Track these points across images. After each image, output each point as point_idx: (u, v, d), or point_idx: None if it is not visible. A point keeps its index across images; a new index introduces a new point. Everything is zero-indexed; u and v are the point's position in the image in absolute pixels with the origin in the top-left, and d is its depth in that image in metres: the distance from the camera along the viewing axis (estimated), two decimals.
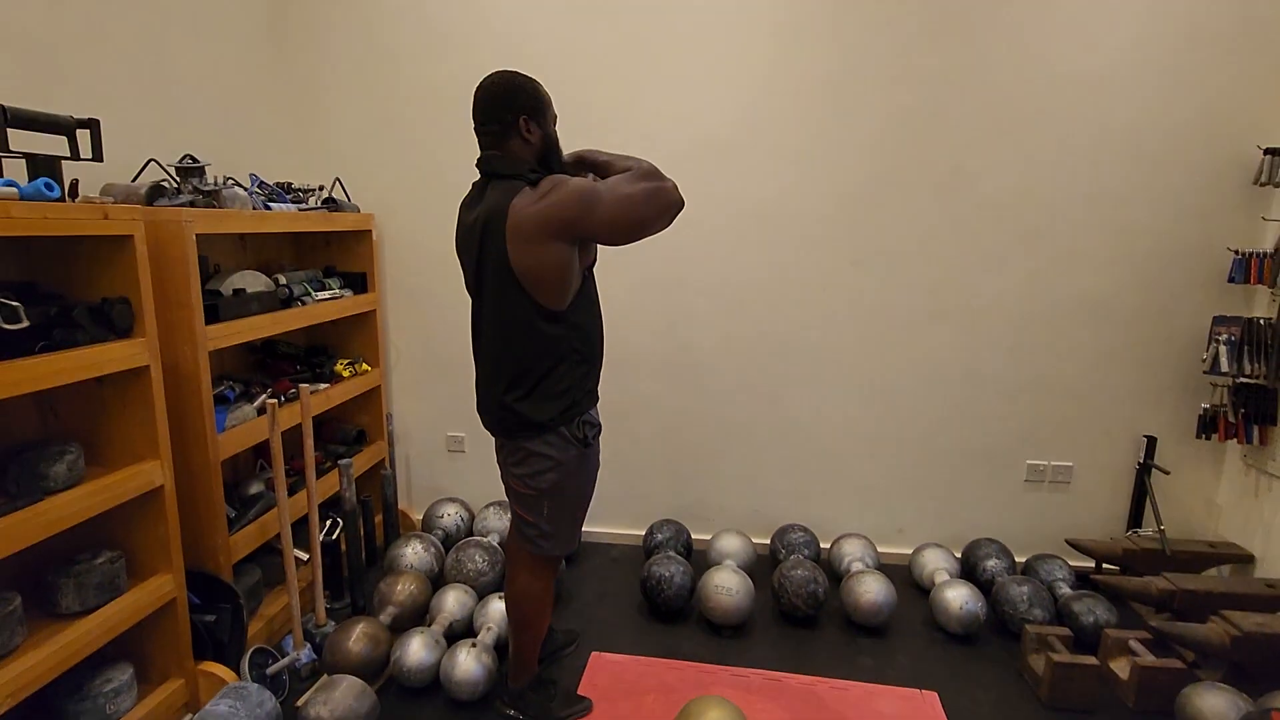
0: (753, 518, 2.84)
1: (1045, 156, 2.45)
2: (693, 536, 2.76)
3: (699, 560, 2.63)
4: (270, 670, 1.94)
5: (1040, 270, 2.54)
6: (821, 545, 2.72)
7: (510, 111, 1.54)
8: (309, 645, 2.07)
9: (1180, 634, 2.00)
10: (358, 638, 2.00)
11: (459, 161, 2.68)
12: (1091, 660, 1.97)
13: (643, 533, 2.80)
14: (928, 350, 2.63)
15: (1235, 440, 2.41)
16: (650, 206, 1.53)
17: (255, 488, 2.32)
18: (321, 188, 2.56)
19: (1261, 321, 2.29)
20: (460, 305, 2.82)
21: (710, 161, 2.59)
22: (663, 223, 1.57)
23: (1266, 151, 2.28)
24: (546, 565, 1.81)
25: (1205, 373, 2.42)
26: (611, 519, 2.92)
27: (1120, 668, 2.05)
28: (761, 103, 2.53)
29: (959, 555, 2.65)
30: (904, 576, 2.65)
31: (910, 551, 2.68)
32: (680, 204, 1.57)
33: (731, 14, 2.49)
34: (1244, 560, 2.44)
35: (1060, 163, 2.45)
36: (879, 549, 2.68)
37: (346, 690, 1.76)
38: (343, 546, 2.39)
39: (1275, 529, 2.35)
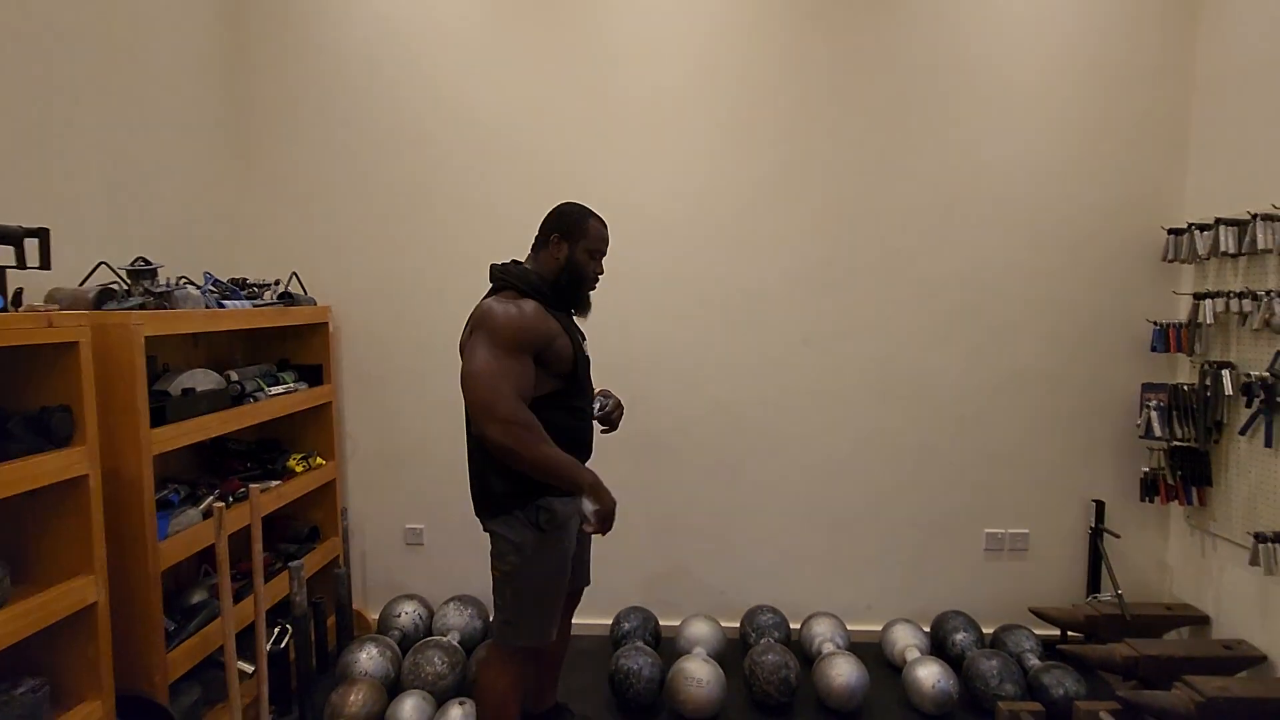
0: (720, 600, 2.79)
1: (975, 237, 2.63)
2: (661, 623, 2.69)
3: (668, 648, 2.56)
4: None
5: (981, 344, 2.67)
6: (792, 625, 2.68)
7: (552, 229, 1.77)
8: None
9: (1148, 703, 2.01)
10: None
11: (417, 251, 2.76)
12: None
13: (610, 621, 2.72)
14: (880, 425, 2.71)
15: (1177, 502, 2.50)
16: (474, 399, 1.62)
17: (198, 596, 2.19)
18: (277, 282, 2.57)
19: (1185, 387, 2.43)
20: (419, 393, 2.84)
21: (661, 245, 2.70)
22: (476, 423, 1.63)
23: (1170, 231, 2.48)
24: (512, 657, 1.77)
25: (1141, 437, 2.53)
26: (577, 609, 2.83)
27: None
28: (711, 190, 2.67)
29: (928, 629, 2.64)
30: (875, 654, 2.62)
31: (880, 628, 2.66)
32: (492, 440, 1.59)
33: (681, 104, 2.65)
34: (1200, 621, 2.48)
35: (990, 243, 2.63)
36: (849, 626, 2.65)
37: None
38: (291, 655, 2.25)
39: (1224, 588, 2.41)
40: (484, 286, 2.77)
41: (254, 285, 2.48)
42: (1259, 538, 2.08)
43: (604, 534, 1.68)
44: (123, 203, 2.20)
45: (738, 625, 2.71)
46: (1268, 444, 2.18)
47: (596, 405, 1.92)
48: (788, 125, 2.64)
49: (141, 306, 1.83)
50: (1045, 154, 2.59)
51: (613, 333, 2.57)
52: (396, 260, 2.76)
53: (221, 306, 2.17)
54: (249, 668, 2.13)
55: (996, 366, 2.66)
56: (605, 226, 1.80)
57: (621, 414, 1.98)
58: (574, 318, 1.83)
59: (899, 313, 2.68)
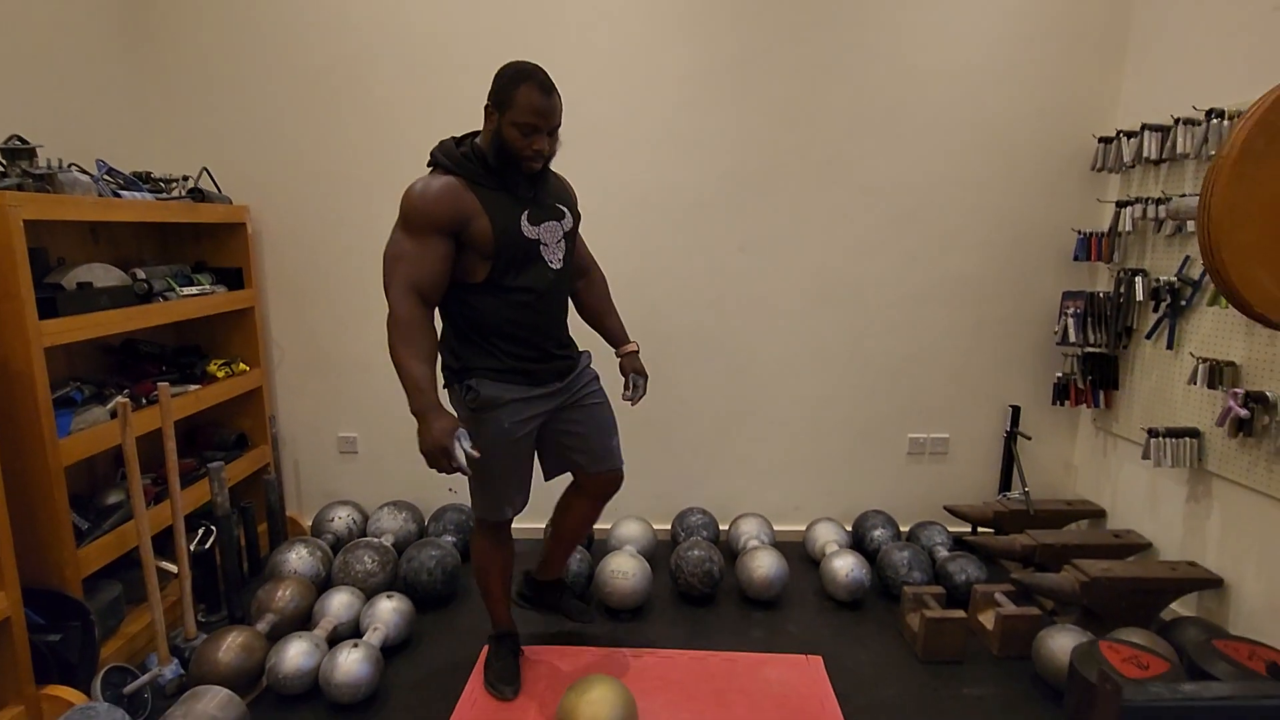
0: (654, 504, 2.86)
1: (912, 145, 2.60)
2: (596, 527, 2.76)
3: (601, 549, 2.63)
4: (127, 689, 1.80)
5: (915, 252, 2.69)
6: (721, 526, 2.78)
7: (489, 97, 1.59)
8: (175, 661, 1.94)
9: (1037, 584, 2.16)
10: (228, 648, 1.89)
11: (341, 152, 2.62)
12: (960, 614, 2.10)
13: (543, 525, 2.78)
14: (813, 332, 2.74)
15: (1085, 405, 2.62)
16: (386, 273, 1.60)
17: (115, 497, 2.16)
18: (186, 178, 2.42)
19: (1102, 295, 2.50)
20: (350, 298, 2.75)
21: (595, 150, 2.61)
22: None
23: (1100, 140, 2.50)
24: (480, 527, 1.87)
25: (1057, 344, 2.62)
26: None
27: (986, 619, 2.19)
28: (645, 88, 2.57)
29: (849, 528, 2.77)
30: (799, 551, 2.74)
31: (804, 527, 2.78)
32: (390, 313, 1.58)
33: (613, 6, 2.52)
34: (1098, 515, 2.65)
35: (926, 151, 2.61)
36: (776, 526, 2.76)
37: (209, 701, 1.65)
38: (218, 557, 2.26)
39: (1121, 484, 2.57)
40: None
41: (160, 180, 2.33)
42: (1151, 433, 2.20)
43: (440, 471, 1.54)
44: (1, 82, 2.01)
45: (669, 527, 2.79)
46: (1169, 346, 2.28)
47: (627, 393, 1.94)
48: (724, 22, 2.52)
49: (18, 188, 1.70)
50: (986, 60, 2.54)
51: None
52: (323, 155, 2.62)
53: (118, 198, 2.04)
54: (172, 567, 2.13)
55: (929, 274, 2.70)
56: (546, 94, 1.53)
57: (642, 394, 1.97)
58: (537, 193, 1.67)
59: (837, 219, 2.67)
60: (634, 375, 1.96)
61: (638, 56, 2.55)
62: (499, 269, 1.62)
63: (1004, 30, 2.52)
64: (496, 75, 1.57)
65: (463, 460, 1.51)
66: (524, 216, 1.63)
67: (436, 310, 1.66)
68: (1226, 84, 2.09)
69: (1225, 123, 1.99)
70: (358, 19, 2.52)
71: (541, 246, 1.67)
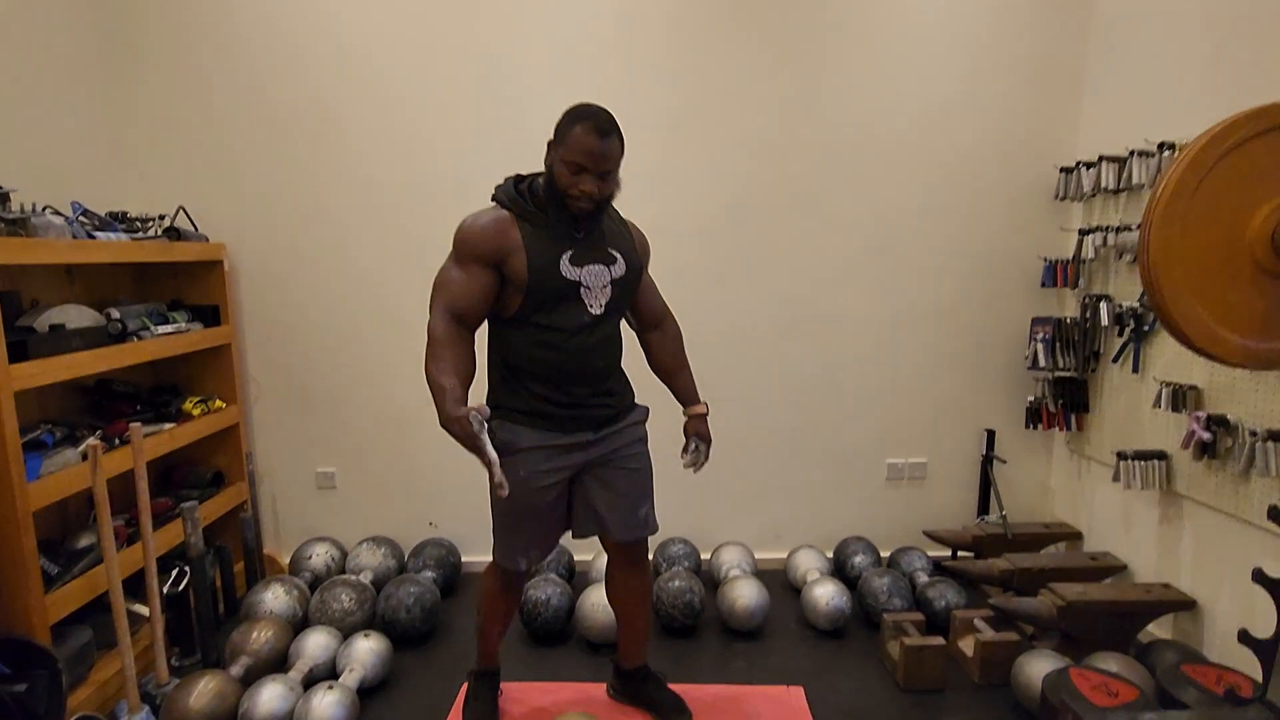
0: None
1: (882, 178, 2.67)
2: (575, 558, 2.76)
3: (582, 581, 2.62)
4: None
5: (886, 281, 2.74)
6: (703, 556, 2.78)
7: (554, 131, 1.58)
8: (146, 708, 1.90)
9: (1015, 609, 2.17)
10: (200, 694, 1.86)
11: (316, 189, 2.65)
12: (939, 641, 2.10)
13: None
14: (789, 360, 2.77)
15: (1058, 428, 2.66)
16: (431, 296, 1.62)
17: (87, 540, 2.13)
18: (163, 217, 2.43)
19: (1069, 320, 2.56)
20: (326, 334, 2.76)
21: None
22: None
23: (1061, 170, 2.57)
24: (493, 569, 1.82)
25: (1028, 368, 2.67)
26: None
27: (966, 645, 2.20)
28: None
29: (830, 555, 2.77)
30: (780, 579, 2.74)
31: (785, 555, 2.78)
32: (428, 333, 1.59)
33: (590, 43, 2.58)
34: (1074, 537, 2.68)
35: (896, 183, 2.67)
36: (757, 555, 2.76)
37: None
38: (192, 598, 2.22)
39: (1096, 506, 2.60)
40: (398, 220, 2.70)
41: (136, 219, 2.34)
42: (1120, 455, 2.23)
43: (467, 448, 1.48)
44: None
45: (651, 557, 2.79)
46: (1135, 369, 2.33)
47: (687, 457, 1.87)
48: (697, 60, 2.59)
49: None
50: (951, 94, 2.62)
51: None
52: (298, 194, 2.64)
53: (93, 239, 2.05)
54: (144, 610, 2.09)
55: (901, 303, 2.75)
56: (601, 136, 1.50)
57: (708, 452, 1.90)
58: (589, 234, 1.62)
59: (809, 250, 2.72)
60: (696, 439, 1.88)
61: (613, 95, 2.60)
62: (530, 304, 1.59)
63: (969, 66, 2.61)
64: (563, 113, 1.57)
65: (482, 434, 1.45)
66: (566, 256, 1.59)
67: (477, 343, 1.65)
68: (1177, 118, 2.17)
69: (1176, 155, 2.06)
70: (333, 59, 2.57)
71: (583, 289, 1.61)
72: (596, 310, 1.63)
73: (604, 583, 1.96)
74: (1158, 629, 2.26)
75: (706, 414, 1.90)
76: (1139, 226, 2.16)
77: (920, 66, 2.61)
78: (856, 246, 2.72)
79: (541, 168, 1.63)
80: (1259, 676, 1.66)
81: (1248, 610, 1.96)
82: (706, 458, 1.89)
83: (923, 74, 2.61)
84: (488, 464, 1.47)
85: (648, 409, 1.84)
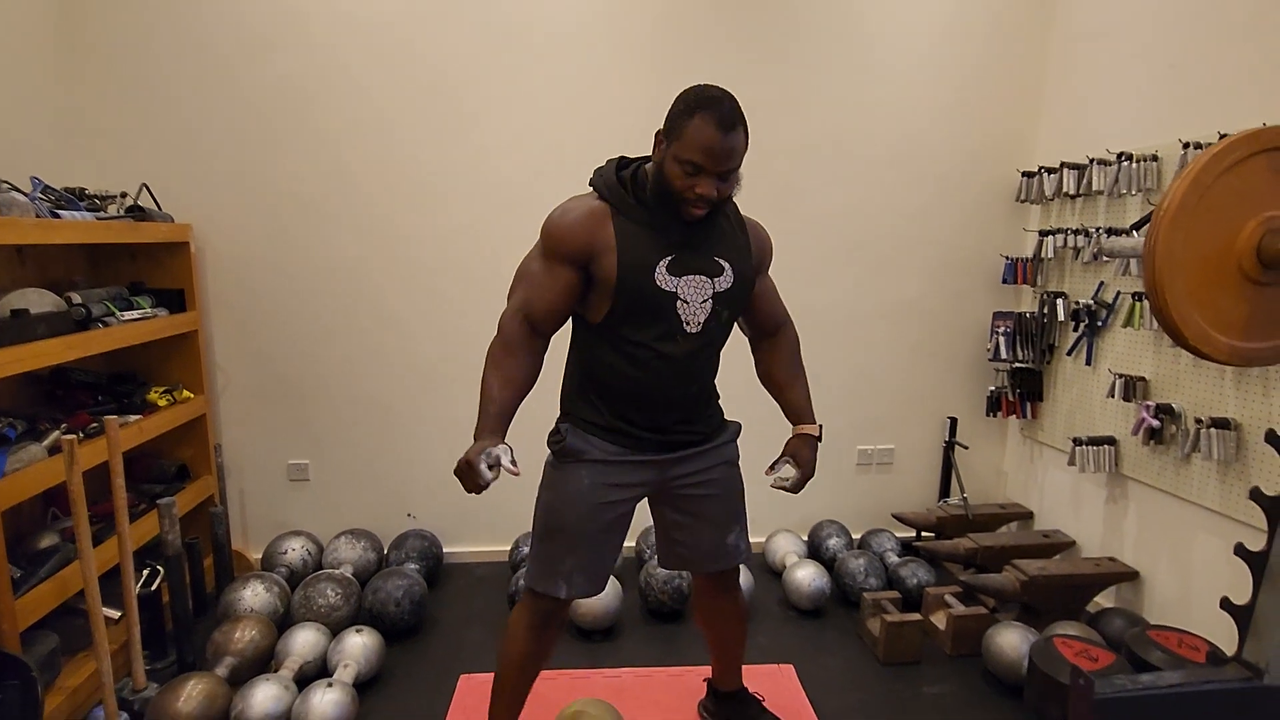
0: None
1: (858, 178, 2.77)
2: None
3: None
4: None
5: (862, 278, 2.85)
6: None
7: (666, 119, 1.35)
8: (125, 715, 1.81)
9: (982, 584, 2.33)
10: (188, 697, 1.79)
11: (290, 166, 2.53)
12: (916, 617, 2.24)
13: (508, 548, 2.76)
14: None
15: (1015, 416, 2.86)
16: (512, 285, 1.48)
17: (47, 540, 2.00)
18: (124, 195, 2.28)
19: (1028, 315, 2.74)
20: (299, 322, 2.65)
21: (559, 182, 2.63)
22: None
23: (1023, 174, 2.74)
24: (527, 603, 1.53)
25: (990, 360, 2.85)
26: (474, 538, 2.85)
27: (939, 620, 2.35)
28: (602, 120, 2.62)
29: (805, 538, 2.89)
30: (760, 562, 2.84)
31: (764, 539, 2.88)
32: (497, 327, 1.44)
33: (574, 35, 2.56)
34: (1026, 517, 2.89)
35: (870, 183, 2.78)
36: None
37: None
38: (165, 598, 2.12)
39: (1047, 487, 2.81)
40: (375, 206, 2.61)
41: (95, 197, 2.19)
42: (1076, 441, 2.42)
43: (467, 490, 1.32)
44: None
45: (634, 544, 2.83)
46: (1088, 362, 2.53)
47: (774, 477, 1.60)
48: (678, 57, 2.62)
49: None
50: (922, 98, 2.74)
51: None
52: (270, 174, 2.52)
53: (55, 217, 1.90)
54: (114, 614, 1.98)
55: (875, 299, 2.87)
56: (725, 130, 1.28)
57: (806, 477, 1.63)
58: (694, 238, 1.41)
59: (789, 248, 2.74)
60: (792, 461, 1.61)
61: (595, 89, 2.60)
62: (617, 315, 1.41)
63: (940, 73, 2.73)
64: (677, 97, 1.35)
65: (488, 476, 1.28)
66: (664, 263, 1.38)
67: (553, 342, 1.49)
68: (1132, 130, 2.35)
69: (1134, 165, 2.24)
70: (307, 35, 2.45)
71: (679, 303, 1.40)
72: (693, 328, 1.42)
73: (693, 597, 1.76)
74: (1103, 599, 2.47)
75: (818, 438, 1.65)
76: (1117, 228, 2.34)
77: (894, 72, 2.71)
78: (833, 244, 2.81)
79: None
80: (1214, 640, 1.86)
81: (1184, 579, 2.18)
82: (792, 486, 1.60)
83: (896, 79, 2.72)
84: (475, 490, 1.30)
85: (739, 426, 1.66)
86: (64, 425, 1.94)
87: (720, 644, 1.79)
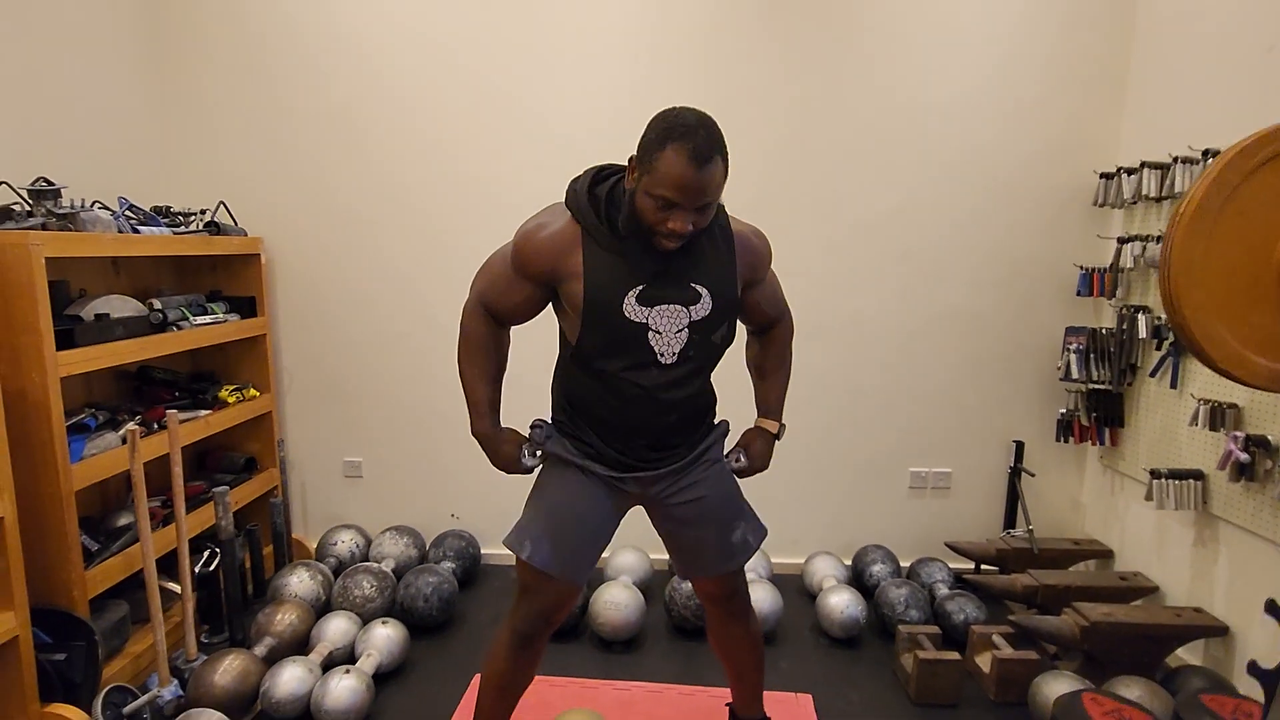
0: (651, 533, 2.86)
1: (910, 180, 2.62)
2: None
3: (596, 578, 2.64)
4: (127, 710, 1.86)
5: (912, 286, 2.69)
6: None
7: (638, 145, 1.27)
8: (175, 682, 1.99)
9: (1036, 627, 2.11)
10: (224, 671, 1.94)
11: (352, 184, 2.72)
12: (954, 655, 2.06)
13: None
14: (811, 366, 2.73)
15: (1090, 442, 2.58)
16: (476, 275, 1.49)
17: (125, 519, 2.24)
18: (204, 211, 2.53)
19: (1105, 331, 2.48)
20: (356, 327, 2.84)
21: None
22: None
23: (1101, 176, 2.48)
24: (506, 621, 1.51)
25: (1061, 379, 2.59)
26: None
27: (984, 661, 2.15)
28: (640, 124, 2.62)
29: (848, 563, 2.74)
30: (797, 585, 2.72)
31: (803, 560, 2.76)
32: (461, 323, 1.48)
33: (619, 43, 2.59)
34: (1105, 555, 2.59)
35: (924, 185, 2.62)
36: (774, 559, 2.75)
37: None
38: (221, 578, 2.32)
39: (1129, 524, 2.51)
40: (428, 220, 2.76)
41: (179, 214, 2.44)
42: (1154, 474, 2.15)
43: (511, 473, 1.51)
44: (28, 121, 2.14)
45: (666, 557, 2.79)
46: (1173, 385, 2.24)
47: (731, 462, 1.58)
48: (720, 62, 2.58)
49: (42, 227, 1.80)
50: (984, 96, 2.56)
51: None
52: (332, 190, 2.72)
53: (138, 233, 2.14)
54: (176, 588, 2.19)
55: (926, 308, 2.69)
56: (699, 164, 1.19)
57: (755, 469, 1.61)
58: (669, 266, 1.34)
59: (832, 254, 2.68)
60: (743, 454, 1.59)
61: (639, 96, 2.62)
62: (587, 344, 1.37)
63: (1001, 64, 2.53)
64: (650, 123, 1.26)
65: (531, 463, 1.49)
66: (633, 294, 1.32)
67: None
68: (1223, 124, 2.08)
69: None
70: (364, 63, 2.63)
71: (651, 334, 1.34)
72: (667, 360, 1.36)
73: (707, 633, 1.73)
74: (1189, 654, 2.17)
75: (774, 435, 1.61)
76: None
77: (949, 64, 2.54)
78: (880, 250, 2.67)
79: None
80: None
81: None
82: (743, 476, 1.60)
83: (951, 72, 2.55)
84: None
85: (725, 426, 1.59)
86: (138, 417, 2.17)
87: (736, 671, 1.73)
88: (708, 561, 1.56)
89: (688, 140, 1.19)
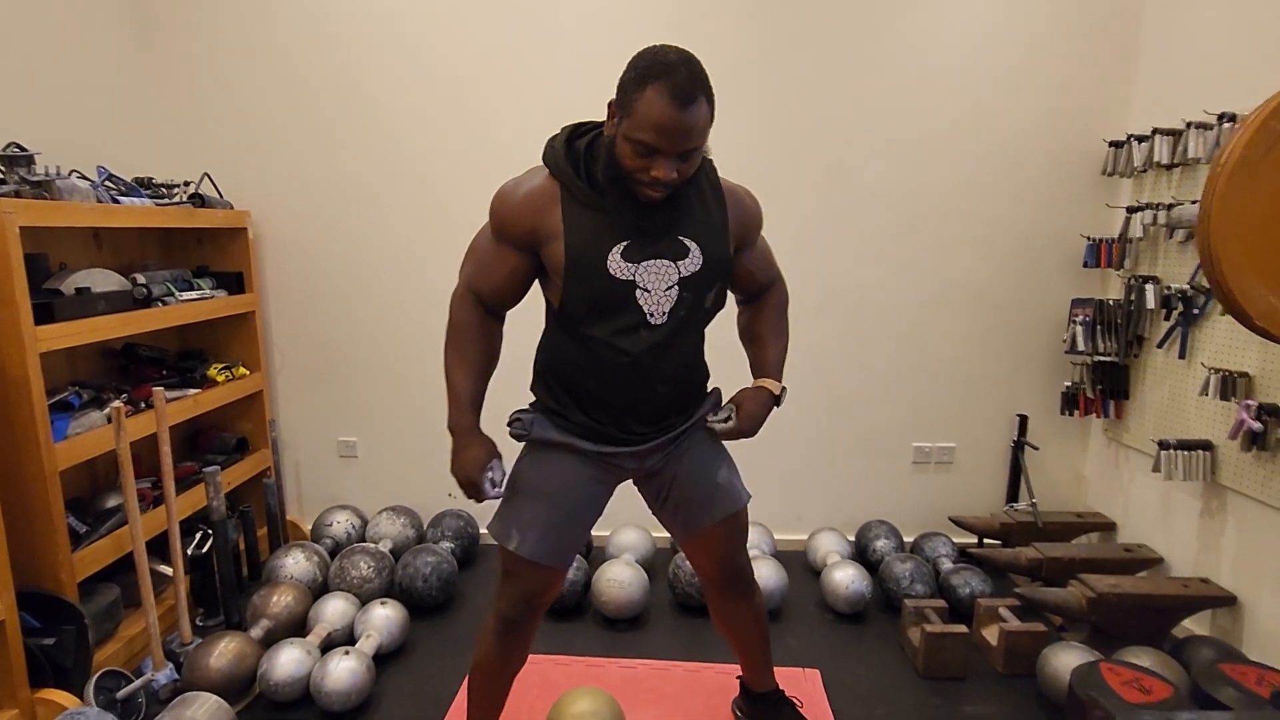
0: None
1: (914, 152, 2.56)
2: (595, 533, 2.74)
3: (598, 557, 2.61)
4: (120, 694, 1.81)
5: (919, 259, 2.64)
6: None
7: (617, 88, 1.18)
8: (170, 666, 1.95)
9: (1043, 599, 2.10)
10: (220, 654, 1.89)
11: (342, 159, 2.63)
12: (961, 629, 2.05)
13: None
14: (816, 340, 2.70)
15: (1095, 415, 2.56)
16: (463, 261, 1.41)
17: (114, 500, 2.18)
18: (187, 183, 2.44)
19: (1112, 302, 2.44)
20: (349, 305, 2.76)
21: None
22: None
23: (1110, 144, 2.44)
24: (493, 606, 1.47)
25: (1066, 352, 2.56)
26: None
27: (991, 634, 2.14)
28: None
29: (852, 538, 2.72)
30: (801, 561, 2.70)
31: (806, 536, 2.74)
32: (449, 311, 1.39)
33: (610, 11, 2.50)
34: (1108, 528, 2.59)
35: (928, 157, 2.56)
36: (778, 536, 2.73)
37: (198, 708, 1.65)
38: (214, 561, 2.26)
39: (1133, 496, 2.50)
40: (425, 191, 2.67)
41: (161, 185, 2.35)
42: (1162, 445, 2.13)
43: (470, 499, 1.35)
44: (0, 89, 2.04)
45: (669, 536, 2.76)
46: (1181, 355, 2.22)
47: (715, 420, 1.44)
48: (724, 29, 2.50)
49: (15, 195, 1.72)
50: (989, 63, 2.49)
51: None
52: (324, 164, 2.63)
53: (118, 204, 2.06)
54: (168, 571, 2.14)
55: (933, 282, 2.65)
56: (681, 105, 1.11)
57: (743, 430, 1.44)
58: (654, 219, 1.26)
59: (838, 226, 2.63)
60: (734, 411, 1.43)
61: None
62: (569, 307, 1.30)
63: (1008, 32, 2.47)
64: (630, 62, 1.17)
65: (492, 493, 1.34)
66: (618, 249, 1.24)
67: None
68: (1239, 86, 2.03)
69: (1238, 125, 1.93)
70: (360, 28, 2.53)
71: (639, 292, 1.26)
72: (657, 320, 1.28)
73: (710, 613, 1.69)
74: (1195, 625, 2.17)
75: (773, 397, 1.45)
76: (1197, 201, 2.05)
77: (955, 33, 2.48)
78: (886, 222, 2.62)
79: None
80: None
81: None
82: (728, 438, 1.45)
83: (957, 41, 2.48)
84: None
85: (717, 393, 1.53)
86: (125, 395, 2.09)
87: (742, 646, 1.70)
88: (698, 510, 1.46)
89: (669, 79, 1.11)
